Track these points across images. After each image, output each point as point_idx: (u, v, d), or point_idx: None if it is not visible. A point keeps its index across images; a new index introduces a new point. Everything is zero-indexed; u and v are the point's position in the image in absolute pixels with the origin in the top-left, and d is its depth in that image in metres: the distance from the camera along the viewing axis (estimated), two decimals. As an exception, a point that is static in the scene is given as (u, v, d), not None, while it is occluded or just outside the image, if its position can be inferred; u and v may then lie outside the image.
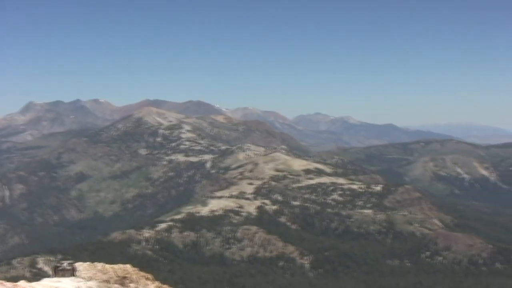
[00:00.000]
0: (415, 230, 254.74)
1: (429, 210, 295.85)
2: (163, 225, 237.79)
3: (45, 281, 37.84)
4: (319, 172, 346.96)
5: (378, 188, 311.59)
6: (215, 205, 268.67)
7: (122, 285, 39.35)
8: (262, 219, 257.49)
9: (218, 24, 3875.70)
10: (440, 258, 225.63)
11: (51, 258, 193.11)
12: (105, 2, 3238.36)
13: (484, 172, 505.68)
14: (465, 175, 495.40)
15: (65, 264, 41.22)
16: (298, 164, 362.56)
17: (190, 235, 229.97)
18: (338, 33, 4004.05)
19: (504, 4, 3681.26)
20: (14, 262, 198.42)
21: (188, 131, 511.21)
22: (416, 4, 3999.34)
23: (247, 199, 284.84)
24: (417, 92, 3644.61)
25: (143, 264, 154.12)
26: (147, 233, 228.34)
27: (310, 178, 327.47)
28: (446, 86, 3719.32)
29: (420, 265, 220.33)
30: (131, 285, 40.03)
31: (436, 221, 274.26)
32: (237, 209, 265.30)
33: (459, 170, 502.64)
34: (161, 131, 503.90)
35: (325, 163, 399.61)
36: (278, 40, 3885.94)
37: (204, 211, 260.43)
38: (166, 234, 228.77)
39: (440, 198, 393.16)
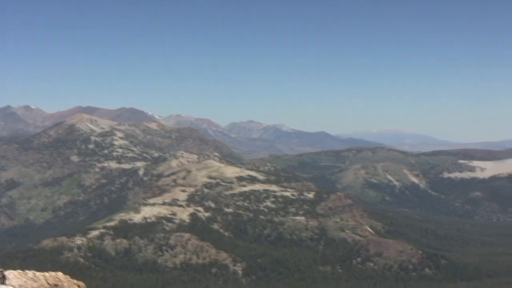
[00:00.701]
0: (347, 236, 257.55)
1: (360, 217, 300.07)
2: (95, 232, 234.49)
3: (-27, 290, 36.84)
4: (252, 179, 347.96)
5: (311, 195, 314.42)
6: (148, 212, 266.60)
7: (54, 293, 38.58)
8: (195, 226, 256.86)
9: (148, 31, 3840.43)
10: (371, 264, 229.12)
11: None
12: (31, 7, 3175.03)
13: (414, 179, 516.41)
14: (396, 182, 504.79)
15: (-6, 272, 40.19)
16: (231, 171, 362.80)
17: (123, 242, 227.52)
18: (268, 40, 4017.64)
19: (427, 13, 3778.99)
20: None
21: (120, 138, 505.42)
22: (339, 13, 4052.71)
23: (180, 206, 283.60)
24: (348, 100, 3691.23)
25: (75, 271, 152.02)
26: (79, 240, 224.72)
27: (243, 185, 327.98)
28: (377, 94, 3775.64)
29: (351, 271, 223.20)
30: (63, 293, 39.29)
31: (367, 228, 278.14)
32: (170, 216, 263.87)
33: (390, 177, 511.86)
34: (93, 138, 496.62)
35: (258, 170, 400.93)
36: (209, 47, 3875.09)
37: (136, 218, 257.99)
38: (99, 241, 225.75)
39: (371, 205, 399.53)
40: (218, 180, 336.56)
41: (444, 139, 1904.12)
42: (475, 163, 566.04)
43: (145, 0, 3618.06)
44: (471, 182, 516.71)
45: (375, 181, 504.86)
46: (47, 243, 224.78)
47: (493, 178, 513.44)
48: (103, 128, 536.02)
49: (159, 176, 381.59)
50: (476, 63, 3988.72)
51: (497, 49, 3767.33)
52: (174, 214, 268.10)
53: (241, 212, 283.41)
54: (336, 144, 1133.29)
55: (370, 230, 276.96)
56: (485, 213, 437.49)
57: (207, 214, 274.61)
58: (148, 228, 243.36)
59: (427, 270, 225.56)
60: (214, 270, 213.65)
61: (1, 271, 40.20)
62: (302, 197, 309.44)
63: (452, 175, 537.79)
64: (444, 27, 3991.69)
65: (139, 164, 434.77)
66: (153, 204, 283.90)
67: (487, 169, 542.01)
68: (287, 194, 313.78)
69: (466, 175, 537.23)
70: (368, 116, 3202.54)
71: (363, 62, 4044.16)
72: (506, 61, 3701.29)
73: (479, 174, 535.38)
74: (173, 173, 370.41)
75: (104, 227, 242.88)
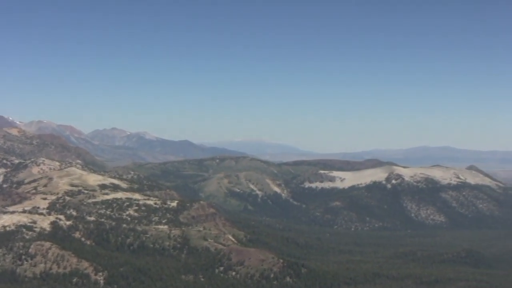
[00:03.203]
0: (209, 245, 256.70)
1: (223, 226, 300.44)
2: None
3: None
4: (115, 188, 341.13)
5: (174, 204, 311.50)
6: (7, 221, 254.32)
7: None
8: (56, 235, 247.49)
9: (11, 37, 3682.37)
10: (233, 273, 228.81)
11: None
12: None
13: (277, 189, 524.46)
14: (259, 192, 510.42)
15: None
16: (94, 179, 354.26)
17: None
18: (127, 46, 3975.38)
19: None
20: None
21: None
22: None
23: (41, 214, 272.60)
24: (211, 110, 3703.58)
25: None
26: None
27: (106, 194, 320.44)
28: (239, 104, 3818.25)
29: (214, 279, 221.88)
30: None
31: (230, 237, 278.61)
32: (30, 224, 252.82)
33: (252, 186, 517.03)
34: None
35: (121, 178, 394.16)
36: (69, 50, 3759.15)
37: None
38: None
39: (234, 214, 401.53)
40: (80, 188, 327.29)
41: (306, 149, 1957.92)
42: (335, 173, 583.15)
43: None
44: (331, 192, 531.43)
45: (238, 190, 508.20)
46: None
47: (352, 188, 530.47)
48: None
49: (20, 183, 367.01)
50: (329, 76, 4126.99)
51: (340, 61, 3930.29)
52: (34, 222, 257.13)
53: (104, 220, 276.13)
54: (199, 153, 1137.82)
55: (232, 239, 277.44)
56: (344, 222, 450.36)
57: (68, 223, 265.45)
58: (7, 237, 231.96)
59: (288, 278, 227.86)
60: (75, 279, 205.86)
61: None
62: (165, 205, 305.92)
63: (313, 185, 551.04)
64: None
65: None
66: (13, 212, 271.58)
67: (346, 179, 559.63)
68: (150, 202, 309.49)
69: (327, 185, 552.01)
70: (231, 126, 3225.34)
71: (221, 69, 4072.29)
72: (355, 75, 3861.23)
73: (339, 184, 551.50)
74: (34, 180, 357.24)
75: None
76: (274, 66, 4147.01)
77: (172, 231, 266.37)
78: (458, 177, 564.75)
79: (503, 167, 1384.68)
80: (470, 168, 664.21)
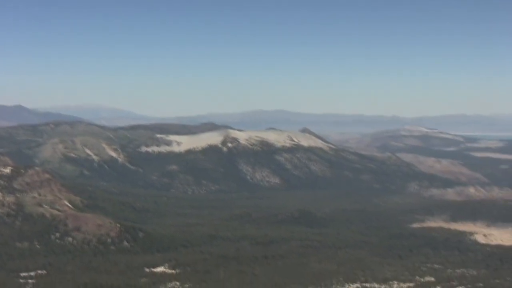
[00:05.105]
0: (45, 212, 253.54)
1: (59, 192, 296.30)
2: None
3: None
4: None
5: (7, 170, 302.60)
6: None
7: None
8: None
9: None
10: (70, 239, 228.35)
11: None
12: None
13: (113, 154, 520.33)
14: (95, 157, 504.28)
15: None
16: None
17: None
18: None
19: None
20: None
21: None
22: None
23: None
24: (43, 73, 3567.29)
25: None
26: None
27: None
28: (70, 67, 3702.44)
29: (50, 246, 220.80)
30: None
31: (66, 202, 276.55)
32: None
33: (88, 151, 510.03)
34: None
35: None
36: None
37: None
38: None
39: (70, 180, 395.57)
40: None
41: (142, 113, 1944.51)
42: (172, 137, 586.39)
43: None
44: (168, 156, 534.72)
45: (74, 155, 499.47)
46: None
47: (189, 152, 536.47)
48: None
49: None
50: (160, 37, 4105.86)
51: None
52: None
53: None
54: (33, 118, 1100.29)
55: (68, 204, 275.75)
56: (180, 185, 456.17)
57: None
58: None
59: (125, 243, 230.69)
60: None
61: None
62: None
63: (150, 149, 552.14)
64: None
65: None
66: None
67: (183, 143, 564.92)
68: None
69: (163, 149, 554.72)
70: (66, 90, 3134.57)
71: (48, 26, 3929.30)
72: (189, 35, 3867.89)
73: (175, 148, 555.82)
74: None
75: None
76: (104, 27, 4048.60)
77: (6, 198, 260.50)
78: (292, 140, 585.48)
79: (335, 130, 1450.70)
80: (304, 130, 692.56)
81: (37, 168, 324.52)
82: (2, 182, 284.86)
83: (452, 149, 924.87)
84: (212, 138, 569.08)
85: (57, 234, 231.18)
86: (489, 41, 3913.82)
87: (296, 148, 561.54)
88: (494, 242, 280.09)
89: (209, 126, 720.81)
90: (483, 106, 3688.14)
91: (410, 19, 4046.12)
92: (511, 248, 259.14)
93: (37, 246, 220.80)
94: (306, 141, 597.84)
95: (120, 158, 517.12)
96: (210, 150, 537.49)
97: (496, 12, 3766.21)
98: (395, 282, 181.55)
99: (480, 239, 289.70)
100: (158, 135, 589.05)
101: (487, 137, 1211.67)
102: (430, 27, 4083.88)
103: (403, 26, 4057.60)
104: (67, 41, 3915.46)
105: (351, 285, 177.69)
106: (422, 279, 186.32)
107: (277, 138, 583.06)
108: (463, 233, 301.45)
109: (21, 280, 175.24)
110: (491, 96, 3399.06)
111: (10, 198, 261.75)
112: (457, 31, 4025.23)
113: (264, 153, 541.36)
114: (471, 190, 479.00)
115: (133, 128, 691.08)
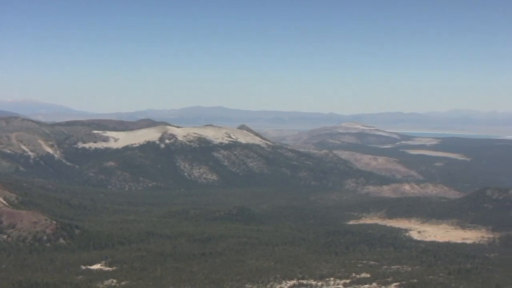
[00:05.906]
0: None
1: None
2: None
3: None
4: None
5: None
6: None
7: None
8: None
9: None
10: (5, 236, 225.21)
11: None
12: None
13: (49, 150, 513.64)
14: (31, 153, 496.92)
15: None
16: None
17: None
18: None
19: None
20: None
21: None
22: None
23: None
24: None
25: None
26: None
27: None
28: (6, 61, 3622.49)
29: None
30: None
31: (0, 199, 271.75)
32: None
33: (24, 147, 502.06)
34: None
35: None
36: None
37: None
38: None
39: (5, 176, 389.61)
40: None
41: (79, 110, 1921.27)
42: (109, 133, 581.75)
43: None
44: (105, 152, 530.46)
45: (8, 151, 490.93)
46: None
47: (126, 148, 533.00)
48: None
49: None
50: (99, 34, 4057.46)
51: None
52: None
53: None
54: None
55: (3, 201, 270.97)
56: (118, 182, 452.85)
57: None
58: None
59: (61, 240, 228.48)
60: None
61: None
62: None
63: (87, 145, 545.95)
64: None
65: None
66: None
67: (120, 139, 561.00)
68: None
69: (100, 145, 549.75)
70: (3, 85, 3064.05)
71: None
72: (127, 32, 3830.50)
73: (112, 144, 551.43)
74: None
75: None
76: (42, 22, 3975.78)
77: None
78: (230, 137, 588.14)
79: (273, 127, 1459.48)
80: (241, 127, 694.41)
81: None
82: None
83: (388, 146, 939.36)
84: (150, 135, 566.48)
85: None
86: (426, 39, 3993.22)
87: (233, 145, 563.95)
88: (428, 239, 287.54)
89: (147, 123, 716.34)
90: (419, 104, 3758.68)
91: (346, 18, 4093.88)
92: (445, 245, 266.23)
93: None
94: (243, 138, 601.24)
95: (57, 154, 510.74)
96: (148, 146, 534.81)
97: (428, 13, 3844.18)
98: (332, 278, 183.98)
99: (415, 235, 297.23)
100: (95, 131, 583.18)
101: (422, 134, 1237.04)
102: (366, 26, 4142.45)
103: (340, 25, 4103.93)
104: (5, 36, 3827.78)
105: (288, 282, 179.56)
106: (358, 276, 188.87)
107: (215, 135, 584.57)
108: (398, 230, 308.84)
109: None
110: (427, 94, 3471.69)
111: None
112: (392, 29, 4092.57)
113: (202, 149, 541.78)
114: (406, 187, 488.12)
115: (70, 124, 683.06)
